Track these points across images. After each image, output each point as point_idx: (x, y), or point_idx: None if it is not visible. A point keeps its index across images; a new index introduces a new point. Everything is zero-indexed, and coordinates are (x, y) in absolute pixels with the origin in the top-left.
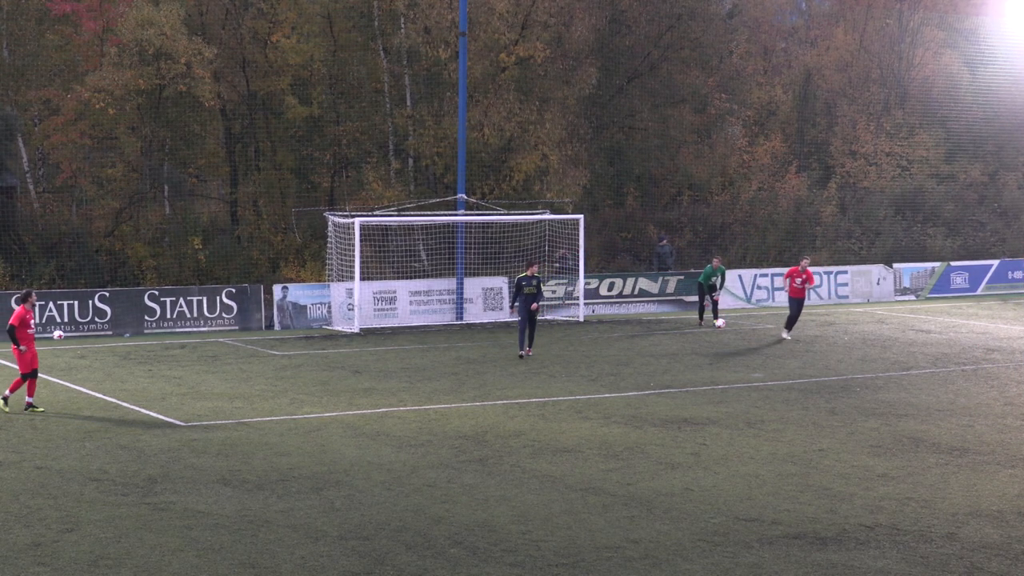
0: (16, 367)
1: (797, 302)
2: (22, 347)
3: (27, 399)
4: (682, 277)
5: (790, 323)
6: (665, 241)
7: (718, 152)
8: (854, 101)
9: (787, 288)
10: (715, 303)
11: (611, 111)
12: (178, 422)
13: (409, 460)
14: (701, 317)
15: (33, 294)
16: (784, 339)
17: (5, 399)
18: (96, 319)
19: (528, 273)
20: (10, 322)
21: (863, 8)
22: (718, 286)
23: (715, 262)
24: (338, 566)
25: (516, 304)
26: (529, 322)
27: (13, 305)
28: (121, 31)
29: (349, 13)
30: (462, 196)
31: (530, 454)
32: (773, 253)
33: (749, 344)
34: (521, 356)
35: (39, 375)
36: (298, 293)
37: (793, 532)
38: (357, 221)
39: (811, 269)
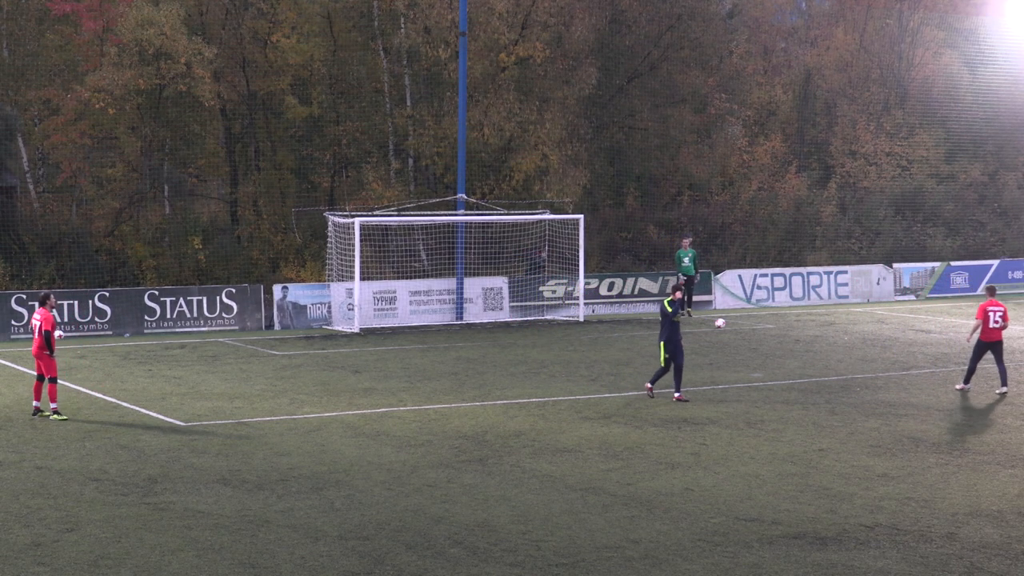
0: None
1: (997, 346)
2: (54, 353)
3: (37, 403)
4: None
5: (1003, 376)
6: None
7: (718, 152)
8: (854, 101)
9: (979, 330)
10: (690, 296)
11: (611, 111)
12: (178, 422)
13: (409, 460)
14: (687, 308)
15: (52, 296)
16: (1004, 393)
17: (56, 411)
18: (96, 319)
19: (674, 298)
20: (45, 328)
21: (863, 8)
22: (694, 270)
23: (685, 243)
24: (338, 566)
25: (664, 338)
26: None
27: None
28: (121, 31)
29: (349, 13)
30: (462, 196)
31: (530, 454)
32: (773, 253)
33: (749, 344)
34: (652, 396)
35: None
36: (298, 293)
37: (793, 532)
38: (357, 221)
39: (814, 269)
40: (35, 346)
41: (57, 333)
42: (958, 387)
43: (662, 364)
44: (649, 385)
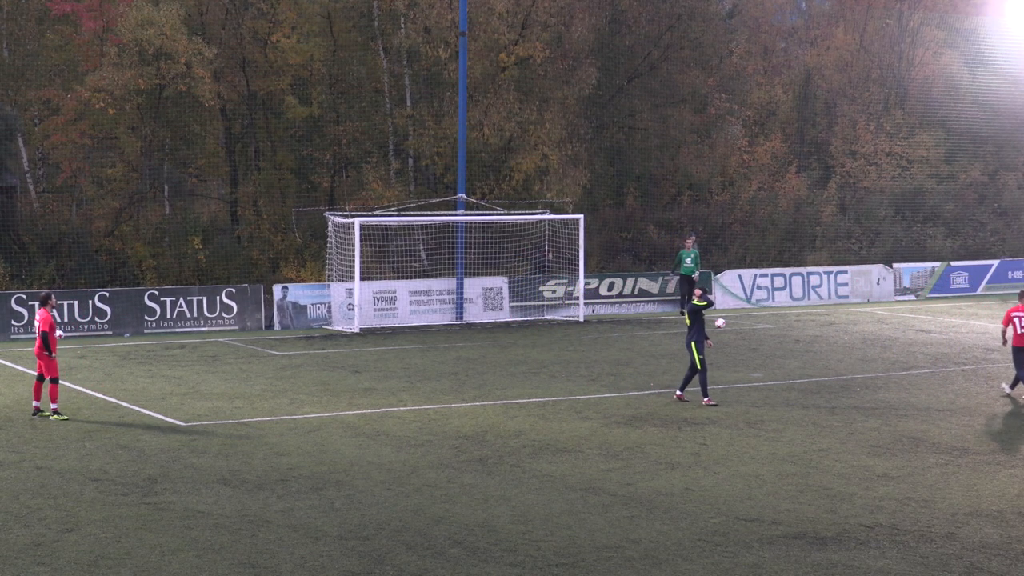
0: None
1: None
2: (54, 354)
3: (37, 403)
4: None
5: (1014, 380)
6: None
7: (718, 152)
8: (854, 101)
9: (1010, 336)
10: (691, 296)
11: (611, 111)
12: (178, 422)
13: (409, 460)
14: (682, 305)
15: (52, 296)
16: (1007, 394)
17: (56, 412)
18: (96, 319)
19: (698, 294)
20: (42, 328)
21: (863, 8)
22: (695, 270)
23: (688, 243)
24: (338, 566)
25: (696, 339)
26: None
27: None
28: (121, 31)
29: (349, 13)
30: (462, 196)
31: (530, 454)
32: (773, 253)
33: (749, 344)
34: (714, 404)
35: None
36: (298, 293)
37: (793, 532)
38: (357, 221)
39: (814, 269)
40: (36, 346)
41: (57, 333)
42: (1005, 390)
43: (698, 367)
44: (707, 399)
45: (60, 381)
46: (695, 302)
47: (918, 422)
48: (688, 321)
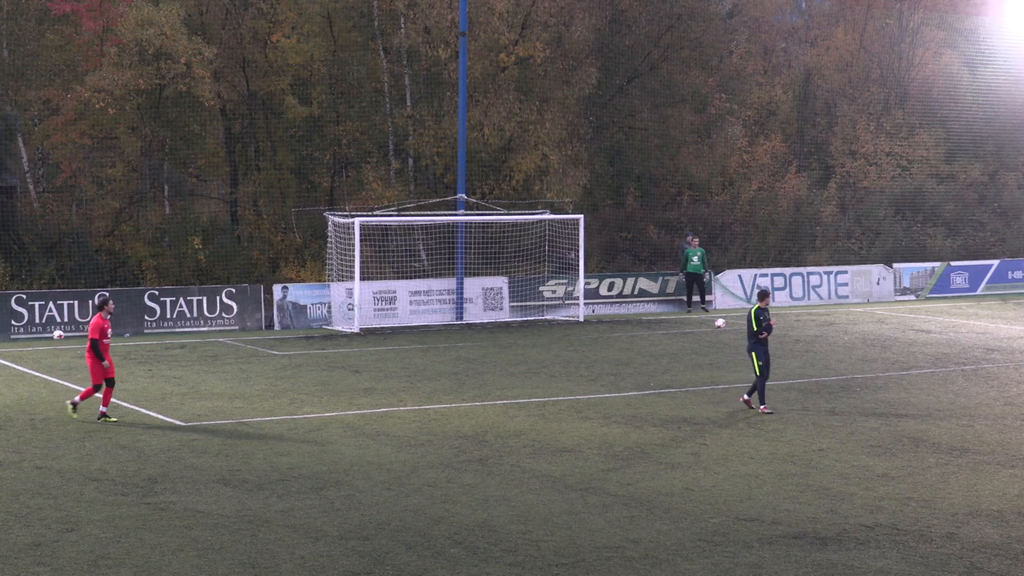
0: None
1: None
2: (105, 362)
3: (103, 409)
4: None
5: None
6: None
7: (718, 152)
8: (854, 101)
9: None
10: (702, 294)
11: (611, 111)
12: (178, 422)
13: (409, 460)
14: (689, 303)
15: (110, 301)
16: None
17: (75, 405)
18: None
19: (762, 306)
20: (91, 336)
21: (863, 8)
22: (703, 268)
23: (693, 242)
24: (338, 566)
25: (755, 347)
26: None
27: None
28: (121, 31)
29: (349, 13)
30: (462, 196)
31: (530, 454)
32: (773, 253)
33: None
34: (769, 412)
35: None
36: (298, 293)
37: (793, 532)
38: (357, 221)
39: (814, 269)
40: (87, 351)
41: (56, 333)
42: None
43: (757, 373)
44: (746, 397)
45: (60, 381)
46: (753, 311)
47: (918, 422)
48: (753, 329)
